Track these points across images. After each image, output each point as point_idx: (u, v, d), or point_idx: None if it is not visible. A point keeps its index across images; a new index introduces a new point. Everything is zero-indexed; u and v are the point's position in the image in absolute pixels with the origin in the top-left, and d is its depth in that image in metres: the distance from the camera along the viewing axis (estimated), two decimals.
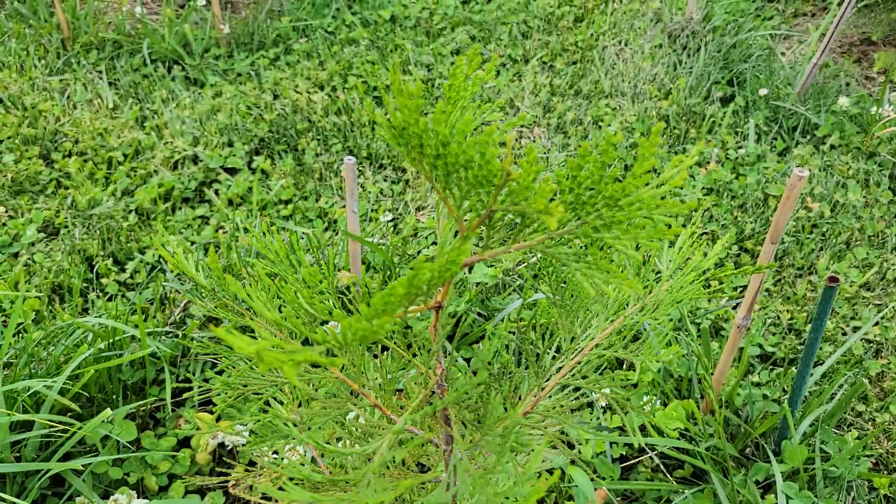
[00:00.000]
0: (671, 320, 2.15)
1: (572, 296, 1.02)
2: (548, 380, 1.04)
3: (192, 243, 2.42)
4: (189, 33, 3.31)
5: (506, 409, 0.94)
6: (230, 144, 2.84)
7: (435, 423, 0.90)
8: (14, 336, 1.97)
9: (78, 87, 3.05)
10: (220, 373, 1.95)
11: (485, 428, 0.76)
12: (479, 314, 2.12)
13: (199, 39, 3.34)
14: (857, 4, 3.65)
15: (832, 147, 2.87)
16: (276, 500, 1.41)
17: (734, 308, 2.22)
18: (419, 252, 2.39)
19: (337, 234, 2.46)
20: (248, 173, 2.71)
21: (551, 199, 0.54)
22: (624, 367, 2.03)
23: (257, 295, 0.67)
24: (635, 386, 1.93)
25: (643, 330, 1.96)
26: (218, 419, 1.77)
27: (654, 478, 1.77)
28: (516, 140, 2.99)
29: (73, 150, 2.76)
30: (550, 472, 1.72)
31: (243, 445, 1.70)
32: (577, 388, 1.43)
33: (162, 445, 1.75)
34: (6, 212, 2.50)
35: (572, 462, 1.66)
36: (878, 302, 2.29)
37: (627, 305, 1.05)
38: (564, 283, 1.01)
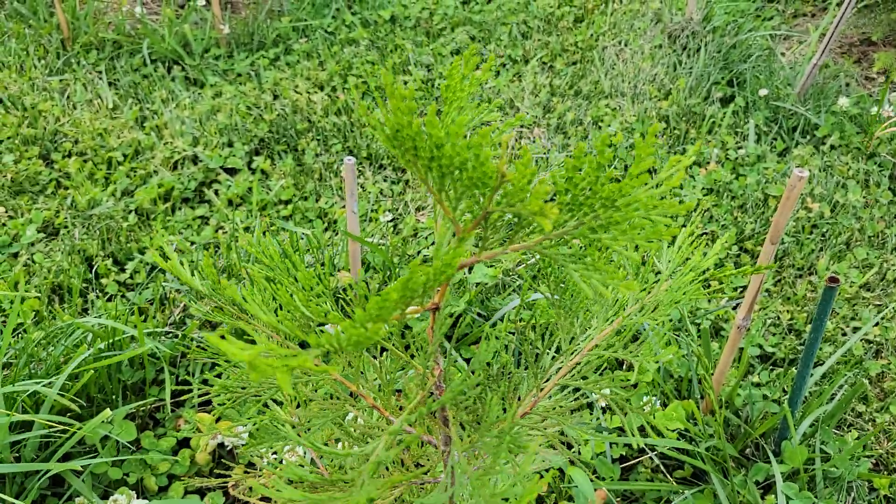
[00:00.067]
0: (671, 321, 2.15)
1: (572, 296, 1.02)
2: (547, 380, 1.04)
3: (192, 243, 2.42)
4: (189, 33, 3.31)
5: (504, 409, 0.94)
6: (230, 145, 2.84)
7: (433, 424, 0.89)
8: (14, 336, 1.97)
9: (78, 87, 3.05)
10: (219, 375, 1.95)
11: (482, 429, 0.76)
12: (479, 314, 2.12)
13: (198, 39, 3.34)
14: (856, 5, 3.65)
15: (832, 147, 2.87)
16: (274, 501, 1.41)
17: (734, 308, 2.21)
18: (419, 252, 2.39)
19: (337, 234, 2.46)
20: (248, 173, 2.71)
21: (549, 200, 0.54)
22: (624, 367, 2.03)
23: (252, 298, 0.67)
24: (635, 386, 1.92)
25: (643, 330, 1.96)
26: (217, 420, 1.77)
27: (654, 478, 1.77)
28: (516, 140, 2.99)
29: (72, 151, 2.76)
30: (549, 471, 1.72)
31: (243, 446, 1.70)
32: (576, 389, 1.43)
33: (161, 446, 1.75)
34: (6, 212, 2.50)
35: (572, 463, 1.66)
36: (878, 302, 2.29)
37: (627, 306, 1.05)
38: (564, 283, 1.01)
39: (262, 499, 1.48)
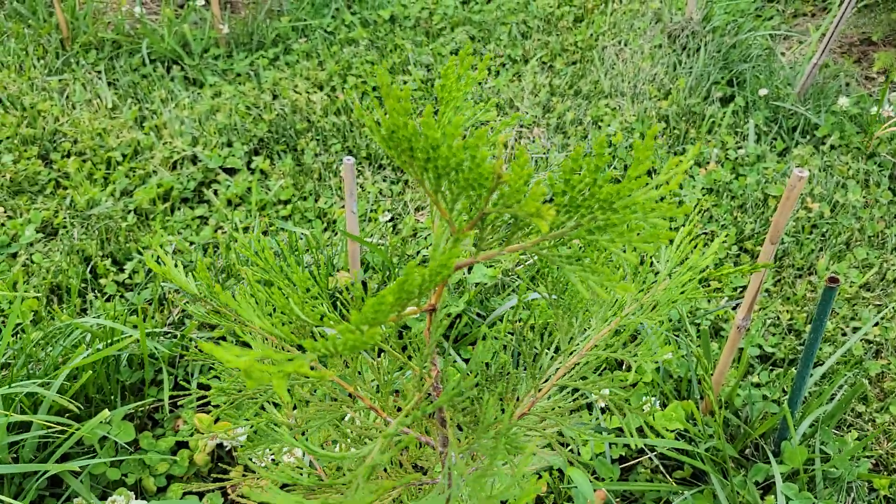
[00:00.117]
0: (670, 321, 2.14)
1: (570, 296, 1.02)
2: (546, 381, 1.04)
3: (191, 244, 2.41)
4: (188, 33, 3.30)
5: (503, 410, 0.93)
6: (229, 144, 2.84)
7: (431, 425, 0.89)
8: (12, 336, 1.97)
9: (77, 87, 3.05)
10: (218, 376, 1.95)
11: (479, 431, 0.75)
12: (478, 314, 2.12)
13: (198, 39, 3.33)
14: (856, 4, 3.65)
15: (832, 147, 2.87)
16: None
17: (734, 308, 2.21)
18: (418, 252, 2.38)
19: (336, 234, 2.46)
20: (248, 173, 2.70)
21: (548, 201, 0.54)
22: (623, 367, 2.03)
23: (247, 303, 0.67)
24: (634, 386, 1.92)
25: (641, 330, 1.95)
26: (216, 421, 1.77)
27: (654, 479, 1.77)
28: (516, 140, 2.98)
29: (71, 151, 2.75)
30: (550, 471, 1.72)
31: (240, 447, 1.70)
32: (575, 390, 1.42)
33: (160, 446, 1.75)
34: (5, 212, 2.50)
35: (571, 463, 1.66)
36: (878, 302, 2.29)
37: (625, 306, 1.05)
38: (562, 284, 1.01)
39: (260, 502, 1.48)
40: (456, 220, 0.59)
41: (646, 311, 1.02)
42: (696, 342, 2.05)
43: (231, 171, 2.74)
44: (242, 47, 3.38)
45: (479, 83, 3.26)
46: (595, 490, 1.68)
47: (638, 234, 0.60)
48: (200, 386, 1.93)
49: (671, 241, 1.05)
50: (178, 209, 2.57)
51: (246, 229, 2.48)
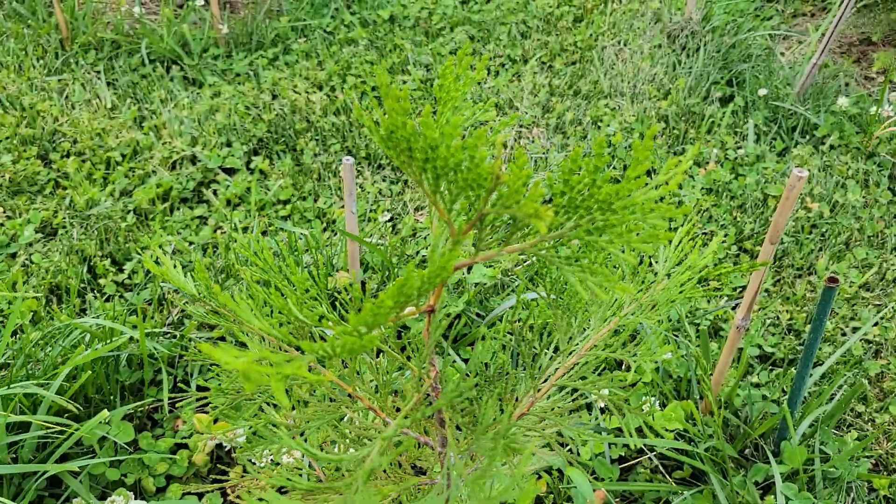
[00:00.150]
0: (670, 321, 2.14)
1: (569, 296, 1.02)
2: (545, 381, 1.04)
3: (191, 244, 2.41)
4: (187, 33, 3.30)
5: (502, 410, 0.93)
6: (228, 144, 2.84)
7: (430, 425, 0.89)
8: (11, 337, 1.97)
9: (76, 87, 3.05)
10: (217, 374, 1.95)
11: (478, 432, 0.75)
12: (477, 314, 2.12)
13: (197, 39, 3.33)
14: (856, 4, 3.65)
15: (831, 147, 2.87)
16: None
17: (733, 308, 2.21)
18: (417, 252, 2.38)
19: (335, 234, 2.46)
20: (247, 173, 2.70)
21: (546, 202, 0.54)
22: (623, 367, 2.03)
23: (245, 304, 0.67)
24: (633, 386, 1.92)
25: (641, 329, 1.95)
26: (215, 421, 1.77)
27: (653, 479, 1.77)
28: (516, 140, 2.98)
29: (71, 151, 2.75)
30: (549, 472, 1.72)
31: (240, 447, 1.70)
32: (574, 390, 1.42)
33: (159, 447, 1.74)
34: (4, 212, 2.50)
35: (570, 463, 1.66)
36: (878, 302, 2.29)
37: (624, 306, 1.05)
38: (561, 283, 1.01)
39: (259, 500, 1.48)
40: (455, 220, 0.59)
41: (645, 310, 1.02)
42: (695, 342, 2.05)
43: (230, 171, 2.74)
44: (242, 47, 3.37)
45: (479, 83, 3.26)
46: (594, 490, 1.68)
47: (637, 234, 0.59)
48: (199, 388, 1.92)
49: (670, 242, 1.05)
50: (178, 209, 2.57)
51: (245, 229, 2.48)
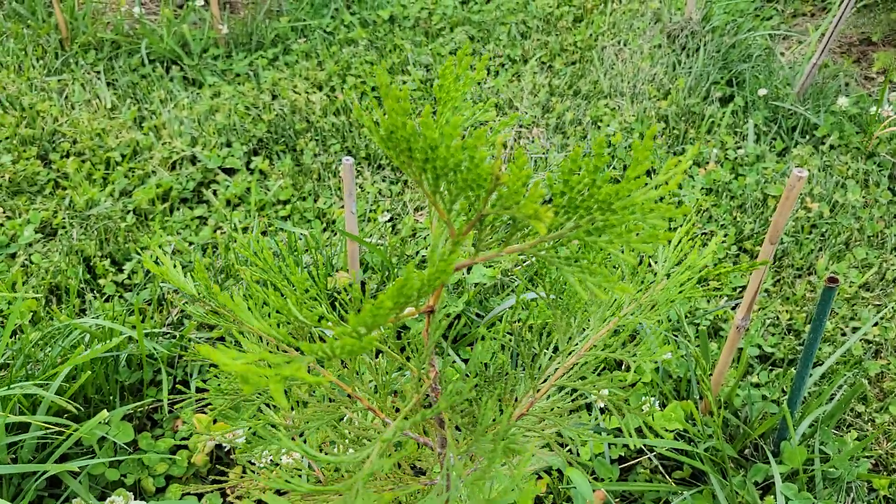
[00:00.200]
0: (669, 321, 2.14)
1: (569, 296, 1.01)
2: (544, 381, 1.04)
3: (190, 244, 2.41)
4: (187, 33, 3.30)
5: (501, 410, 0.93)
6: (228, 145, 2.84)
7: (429, 425, 0.89)
8: (11, 337, 1.97)
9: (76, 87, 3.05)
10: (217, 375, 1.95)
11: (477, 433, 0.75)
12: (477, 314, 2.12)
13: (197, 40, 3.33)
14: (856, 4, 3.65)
15: (831, 147, 2.87)
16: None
17: (733, 308, 2.21)
18: (417, 252, 2.38)
19: (335, 234, 2.46)
20: (247, 174, 2.70)
21: (546, 202, 0.54)
22: (622, 367, 2.02)
23: (243, 304, 0.66)
24: (633, 387, 1.92)
25: (640, 329, 1.95)
26: (214, 421, 1.77)
27: (653, 479, 1.77)
28: (515, 140, 2.98)
29: (70, 151, 2.75)
30: (549, 472, 1.72)
31: (238, 449, 1.70)
32: (574, 390, 1.42)
33: (159, 447, 1.74)
34: (4, 212, 2.50)
35: (570, 463, 1.66)
36: (878, 302, 2.29)
37: (623, 306, 1.05)
38: (560, 284, 1.01)
39: (258, 502, 1.48)
40: (454, 220, 0.58)
41: (644, 311, 1.02)
42: (694, 342, 2.05)
43: (230, 172, 2.74)
44: (241, 47, 3.37)
45: (479, 83, 3.25)
46: (594, 490, 1.68)
47: (636, 234, 0.59)
48: (199, 389, 1.92)
49: (670, 242, 1.05)
50: (177, 209, 2.56)
51: (245, 230, 2.48)
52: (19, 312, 2.02)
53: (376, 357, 0.93)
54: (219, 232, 2.47)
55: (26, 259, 2.33)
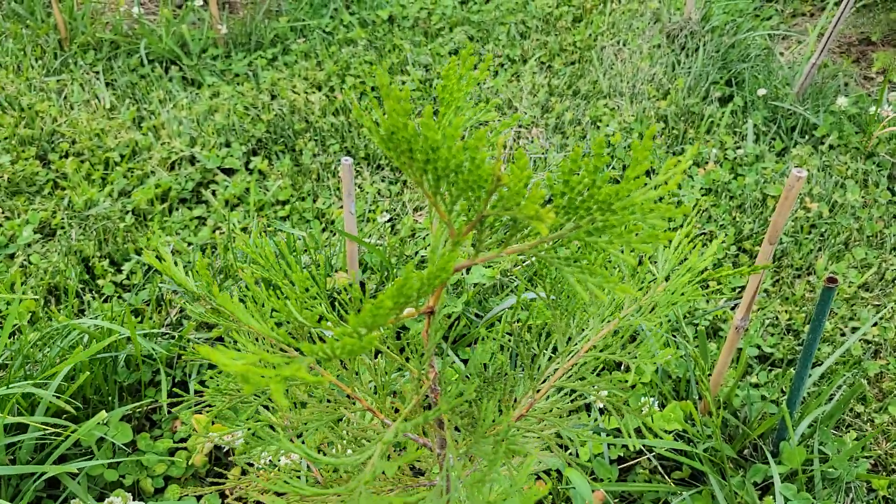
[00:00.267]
0: (669, 321, 2.14)
1: (568, 297, 1.01)
2: (544, 382, 1.03)
3: (189, 244, 2.41)
4: (186, 34, 3.30)
5: (501, 411, 0.93)
6: (227, 145, 2.83)
7: (429, 426, 0.89)
8: (10, 337, 1.96)
9: (75, 87, 3.04)
10: (218, 374, 1.94)
11: (477, 434, 0.75)
12: (476, 315, 2.12)
13: (196, 40, 3.33)
14: (855, 4, 3.65)
15: (831, 147, 2.87)
16: None
17: (732, 309, 2.21)
18: (416, 253, 2.38)
19: (334, 234, 2.46)
20: (246, 174, 2.70)
21: (546, 202, 0.54)
22: (622, 368, 2.02)
23: (241, 307, 0.66)
24: (633, 387, 1.92)
25: (640, 330, 1.95)
26: (213, 422, 1.77)
27: (652, 479, 1.77)
28: (515, 140, 2.98)
29: (69, 151, 2.75)
30: (548, 472, 1.72)
31: (236, 450, 1.69)
32: (573, 391, 1.42)
33: (158, 448, 1.74)
34: (2, 213, 2.50)
35: (569, 464, 1.66)
36: (877, 302, 2.29)
37: (623, 306, 1.05)
38: (560, 284, 1.01)
39: (257, 503, 1.47)
40: (455, 221, 0.58)
41: (644, 312, 1.01)
42: (693, 342, 2.05)
43: (229, 172, 2.74)
44: (241, 47, 3.37)
45: (478, 83, 3.25)
46: (593, 491, 1.67)
47: (636, 234, 0.59)
48: (198, 392, 1.92)
49: (670, 242, 1.05)
50: (176, 210, 2.56)
51: (244, 230, 2.47)
52: (18, 313, 2.02)
53: (375, 358, 0.93)
54: (217, 232, 2.47)
55: (25, 259, 2.32)
